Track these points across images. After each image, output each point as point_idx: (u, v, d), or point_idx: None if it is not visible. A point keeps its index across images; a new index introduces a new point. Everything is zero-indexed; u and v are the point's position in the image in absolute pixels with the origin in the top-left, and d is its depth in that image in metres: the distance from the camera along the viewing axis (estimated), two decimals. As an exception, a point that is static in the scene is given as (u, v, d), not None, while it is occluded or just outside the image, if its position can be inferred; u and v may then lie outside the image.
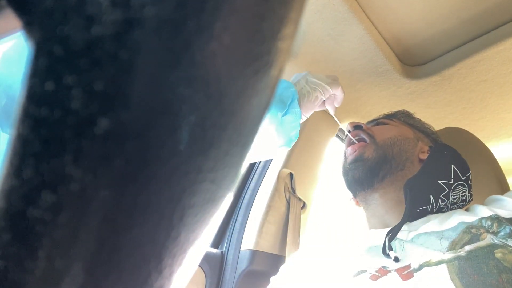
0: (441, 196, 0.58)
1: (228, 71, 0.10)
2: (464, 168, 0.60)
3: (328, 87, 0.62)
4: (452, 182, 0.59)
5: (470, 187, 0.60)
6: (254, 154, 0.61)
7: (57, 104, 0.09)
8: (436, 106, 1.04)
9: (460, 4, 0.81)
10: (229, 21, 0.10)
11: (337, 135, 1.12)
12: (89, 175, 0.09)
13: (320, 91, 0.62)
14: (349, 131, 0.74)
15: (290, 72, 0.93)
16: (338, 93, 0.65)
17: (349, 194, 0.78)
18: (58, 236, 0.10)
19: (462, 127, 0.89)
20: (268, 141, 0.59)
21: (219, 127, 0.11)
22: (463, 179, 0.59)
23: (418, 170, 0.67)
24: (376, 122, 0.79)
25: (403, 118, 0.80)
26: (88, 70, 0.09)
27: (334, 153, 1.09)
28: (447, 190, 0.58)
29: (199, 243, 0.13)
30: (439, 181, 0.59)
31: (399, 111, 0.83)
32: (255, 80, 0.12)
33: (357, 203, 0.76)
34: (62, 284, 0.11)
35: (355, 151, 0.70)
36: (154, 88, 0.09)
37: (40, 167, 0.10)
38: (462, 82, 0.96)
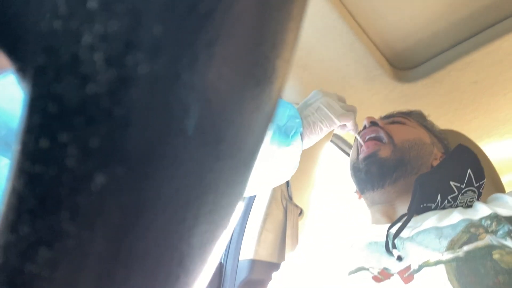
0: (449, 197, 0.57)
1: (223, 116, 0.10)
2: (480, 175, 0.59)
3: (336, 121, 0.59)
4: (463, 186, 0.58)
5: (479, 195, 0.59)
6: (253, 187, 0.60)
7: (52, 161, 0.09)
8: (428, 109, 1.05)
9: (448, 7, 0.82)
10: (223, 69, 0.10)
11: (331, 141, 1.13)
12: (86, 231, 0.09)
13: (326, 124, 0.59)
14: (365, 126, 0.72)
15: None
16: (349, 125, 0.62)
17: (353, 188, 0.77)
18: (56, 291, 0.10)
19: (455, 129, 0.90)
20: (269, 172, 0.58)
21: (216, 172, 0.11)
22: (475, 185, 0.58)
23: None
24: (392, 119, 0.76)
25: (418, 119, 0.78)
26: (83, 127, 0.09)
27: (329, 158, 1.09)
28: (456, 193, 0.58)
29: (199, 281, 0.13)
30: (451, 183, 0.58)
31: (414, 111, 0.81)
32: (250, 121, 0.12)
33: (360, 197, 0.76)
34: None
35: (370, 147, 0.67)
36: (149, 142, 0.09)
37: (36, 224, 0.09)
38: (453, 84, 0.97)
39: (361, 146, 0.70)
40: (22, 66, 0.10)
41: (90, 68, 0.08)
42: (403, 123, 0.73)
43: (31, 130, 0.09)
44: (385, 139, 0.68)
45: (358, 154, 0.70)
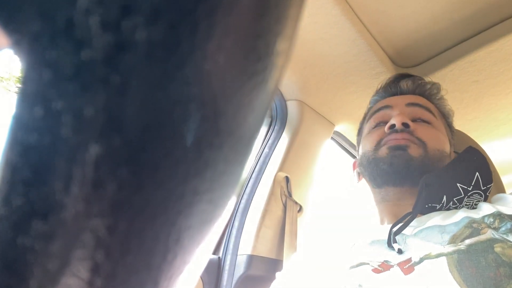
0: (454, 199, 0.57)
1: (223, 90, 0.10)
2: (487, 178, 0.58)
3: None
4: (470, 189, 0.57)
5: (486, 198, 0.58)
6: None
7: (46, 130, 0.09)
8: (430, 107, 1.05)
9: (452, 5, 0.82)
10: (224, 40, 0.09)
11: (332, 138, 1.13)
12: (81, 203, 0.09)
13: None
14: (393, 126, 0.65)
15: (284, 77, 0.93)
16: None
17: (353, 179, 0.75)
18: (50, 265, 0.10)
19: (456, 128, 0.90)
20: None
21: (215, 148, 0.11)
22: (482, 189, 0.57)
23: None
24: (420, 115, 0.68)
25: (443, 110, 0.73)
26: (78, 95, 0.09)
27: (329, 155, 1.09)
28: (463, 196, 0.57)
29: (196, 264, 0.13)
30: (458, 184, 0.57)
31: (437, 95, 0.74)
32: (251, 98, 0.11)
33: (360, 180, 0.74)
34: (55, 314, 0.10)
35: (400, 139, 0.62)
36: (147, 112, 0.09)
37: (30, 195, 0.09)
38: (454, 83, 0.97)
39: (387, 135, 0.64)
40: (18, 38, 0.10)
41: (85, 33, 0.08)
42: (431, 123, 0.67)
43: (26, 99, 0.09)
44: (417, 144, 0.63)
45: (379, 144, 0.65)
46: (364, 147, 0.70)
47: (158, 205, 0.10)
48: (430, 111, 0.69)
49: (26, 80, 0.09)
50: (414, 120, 0.67)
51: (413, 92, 0.75)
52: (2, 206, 0.10)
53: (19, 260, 0.10)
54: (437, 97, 0.75)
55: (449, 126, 0.73)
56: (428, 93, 0.74)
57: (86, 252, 0.10)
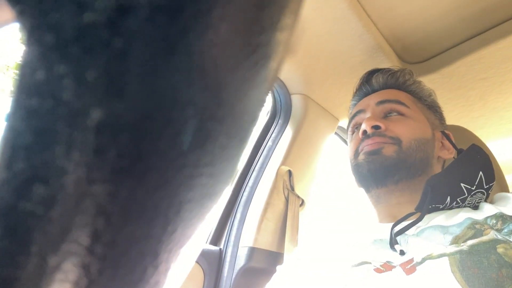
0: (458, 199, 0.57)
1: (226, 62, 0.10)
2: (490, 177, 0.58)
3: None
4: (474, 188, 0.57)
5: (487, 196, 0.59)
6: None
7: (48, 94, 0.09)
8: (435, 104, 1.04)
9: (460, 1, 0.81)
10: (228, 9, 0.09)
11: (336, 133, 1.12)
12: (82, 168, 0.09)
13: None
14: (365, 132, 0.67)
15: (290, 70, 0.93)
16: None
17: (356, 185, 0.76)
18: (50, 230, 0.10)
19: (461, 125, 0.89)
20: None
21: (217, 120, 0.11)
22: (485, 187, 0.57)
23: (437, 169, 0.65)
24: (390, 108, 0.70)
25: (415, 94, 0.73)
26: (80, 58, 0.09)
27: (333, 150, 1.09)
28: (466, 195, 0.57)
29: (196, 238, 0.13)
30: (462, 184, 0.57)
31: (403, 72, 0.75)
32: (253, 72, 0.11)
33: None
34: (55, 281, 0.10)
35: (373, 144, 0.64)
36: (148, 78, 0.09)
37: (32, 159, 0.09)
38: (461, 80, 0.96)
39: (361, 142, 0.67)
40: (22, 8, 0.10)
41: (89, -5, 0.08)
42: (403, 114, 0.69)
43: (28, 63, 0.09)
44: (391, 142, 0.64)
45: (357, 151, 0.68)
46: (349, 155, 0.74)
47: (159, 175, 0.10)
48: (401, 103, 0.70)
49: (28, 44, 0.09)
50: (387, 116, 0.70)
51: (384, 87, 0.76)
52: (4, 171, 0.10)
53: (20, 225, 0.10)
54: (409, 83, 0.75)
55: (429, 107, 0.73)
56: (401, 83, 0.75)
57: (87, 219, 0.10)
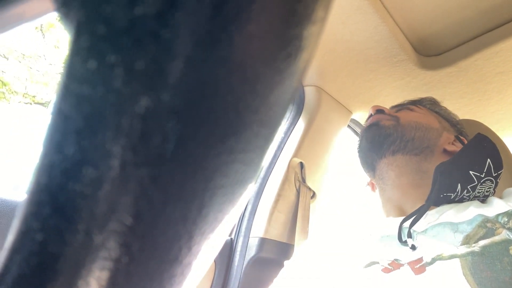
0: (468, 187, 0.57)
1: (263, 53, 0.11)
2: (498, 165, 0.59)
3: None
4: (483, 176, 0.57)
5: (496, 185, 0.59)
6: None
7: (99, 82, 0.09)
8: (451, 98, 1.02)
9: (479, -7, 0.79)
10: (267, 1, 0.10)
11: (348, 125, 1.12)
12: (129, 152, 0.10)
13: None
14: (370, 115, 0.74)
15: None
16: None
17: (365, 180, 0.77)
18: (97, 210, 0.10)
19: (477, 120, 0.88)
20: None
21: (252, 110, 0.11)
22: (494, 175, 0.58)
23: (439, 160, 0.66)
24: (401, 107, 0.77)
25: (429, 105, 0.78)
26: (130, 49, 0.09)
27: (345, 143, 1.08)
28: (476, 183, 0.57)
29: (225, 224, 0.14)
30: (470, 172, 0.57)
31: (425, 97, 0.82)
32: (287, 64, 0.12)
33: (373, 188, 0.76)
34: (99, 258, 0.11)
35: (372, 119, 0.71)
36: (192, 68, 0.09)
37: (82, 143, 0.10)
38: (478, 74, 0.95)
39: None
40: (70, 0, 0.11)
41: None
42: (412, 110, 0.74)
43: (79, 52, 0.10)
44: (390, 118, 0.71)
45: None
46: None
47: (198, 160, 0.11)
48: (413, 105, 0.76)
49: (78, 34, 0.10)
50: (396, 112, 0.75)
51: None
52: (55, 154, 0.10)
53: (69, 205, 0.10)
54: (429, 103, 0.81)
55: (436, 112, 0.76)
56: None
57: (131, 200, 0.10)
